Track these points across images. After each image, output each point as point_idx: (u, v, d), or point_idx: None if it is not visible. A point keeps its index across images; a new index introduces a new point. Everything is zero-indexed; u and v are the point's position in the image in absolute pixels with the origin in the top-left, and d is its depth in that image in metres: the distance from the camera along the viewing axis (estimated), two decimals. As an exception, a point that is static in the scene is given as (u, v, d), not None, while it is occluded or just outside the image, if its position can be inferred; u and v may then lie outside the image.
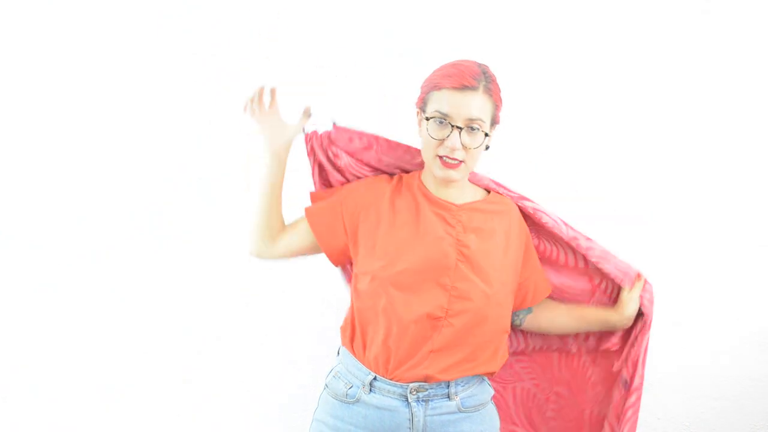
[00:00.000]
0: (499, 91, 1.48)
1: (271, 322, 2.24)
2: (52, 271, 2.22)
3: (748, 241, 2.16)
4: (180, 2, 2.08)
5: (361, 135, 1.57)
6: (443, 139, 1.42)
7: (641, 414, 1.56)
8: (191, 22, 2.08)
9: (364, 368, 1.53)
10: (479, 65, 1.47)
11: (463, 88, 1.41)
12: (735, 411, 2.27)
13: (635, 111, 2.11)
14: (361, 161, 1.61)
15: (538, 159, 2.11)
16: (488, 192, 1.60)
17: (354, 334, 1.57)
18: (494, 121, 1.49)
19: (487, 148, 1.51)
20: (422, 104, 1.49)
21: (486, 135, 1.45)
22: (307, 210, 1.62)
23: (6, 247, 2.21)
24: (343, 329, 1.60)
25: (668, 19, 2.10)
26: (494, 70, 1.50)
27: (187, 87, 2.11)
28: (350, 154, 1.61)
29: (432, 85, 1.46)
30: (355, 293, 1.55)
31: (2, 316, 2.25)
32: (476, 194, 1.58)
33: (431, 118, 1.44)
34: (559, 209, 1.65)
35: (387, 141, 1.58)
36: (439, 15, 2.06)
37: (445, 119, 1.42)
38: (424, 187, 1.54)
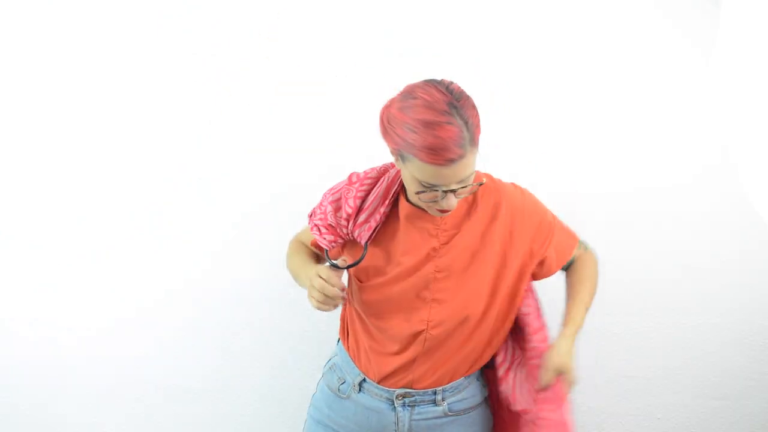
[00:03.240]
0: (478, 120, 1.28)
1: (271, 322, 2.24)
2: (52, 271, 2.22)
3: (747, 241, 2.16)
4: (180, 2, 2.08)
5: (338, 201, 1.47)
6: (435, 201, 1.33)
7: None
8: (191, 22, 2.08)
9: (356, 368, 1.53)
10: (458, 114, 1.24)
11: (451, 162, 1.25)
12: (735, 411, 2.27)
13: (635, 110, 2.11)
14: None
15: (538, 159, 2.11)
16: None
17: (346, 334, 1.57)
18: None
19: None
20: (399, 155, 1.31)
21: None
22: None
23: (6, 247, 2.21)
24: (341, 321, 1.61)
25: (669, 18, 2.10)
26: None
27: (187, 87, 2.11)
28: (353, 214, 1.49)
29: (412, 152, 1.27)
30: (350, 291, 1.54)
31: (2, 316, 2.25)
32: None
33: (418, 184, 1.31)
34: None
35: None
36: (439, 15, 2.06)
37: (434, 187, 1.30)
38: (405, 199, 1.45)
